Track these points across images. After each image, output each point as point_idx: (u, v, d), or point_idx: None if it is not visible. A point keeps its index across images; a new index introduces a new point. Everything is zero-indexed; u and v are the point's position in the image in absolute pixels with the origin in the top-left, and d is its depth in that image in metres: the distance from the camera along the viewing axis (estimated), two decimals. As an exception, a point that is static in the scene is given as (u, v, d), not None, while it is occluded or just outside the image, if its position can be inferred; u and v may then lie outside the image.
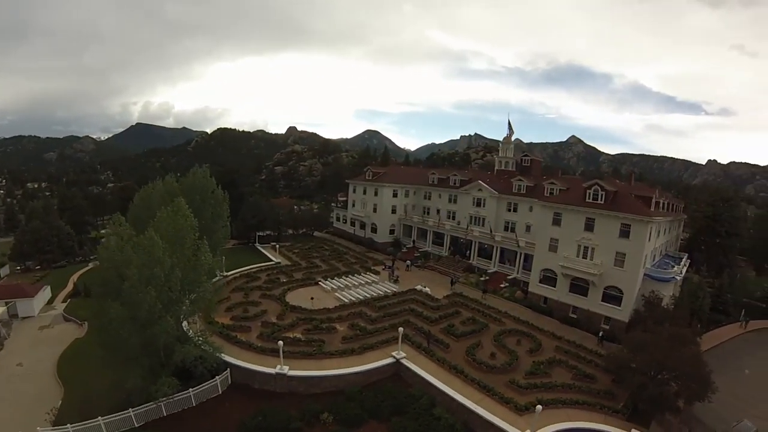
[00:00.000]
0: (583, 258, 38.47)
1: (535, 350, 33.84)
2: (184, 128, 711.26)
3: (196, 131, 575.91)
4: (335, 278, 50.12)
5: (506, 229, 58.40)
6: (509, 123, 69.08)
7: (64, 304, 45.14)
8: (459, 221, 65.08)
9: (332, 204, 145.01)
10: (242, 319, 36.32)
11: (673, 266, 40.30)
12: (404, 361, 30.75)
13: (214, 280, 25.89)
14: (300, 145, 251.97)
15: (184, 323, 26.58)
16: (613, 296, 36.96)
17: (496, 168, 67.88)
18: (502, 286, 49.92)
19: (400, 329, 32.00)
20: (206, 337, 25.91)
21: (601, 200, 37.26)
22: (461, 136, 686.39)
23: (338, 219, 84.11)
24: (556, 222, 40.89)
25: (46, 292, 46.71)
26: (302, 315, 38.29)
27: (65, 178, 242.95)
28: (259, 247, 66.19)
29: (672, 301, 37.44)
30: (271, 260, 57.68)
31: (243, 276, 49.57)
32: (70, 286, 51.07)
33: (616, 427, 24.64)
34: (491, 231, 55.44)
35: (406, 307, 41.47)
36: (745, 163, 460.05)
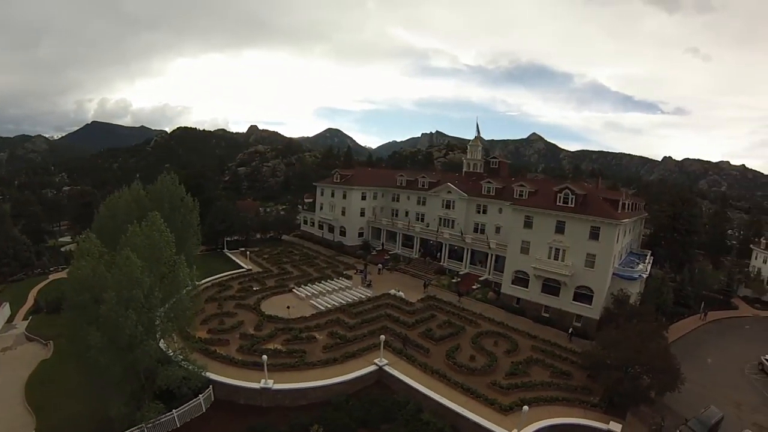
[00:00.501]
0: (554, 259, 40.49)
1: (512, 351, 35.20)
2: (142, 127, 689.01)
3: (155, 130, 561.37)
4: (309, 285, 49.56)
5: (476, 230, 59.98)
6: (477, 126, 71.12)
7: (26, 322, 41.74)
8: (428, 223, 66.15)
9: (298, 206, 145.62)
10: (219, 332, 34.88)
11: (639, 264, 43.33)
12: (387, 368, 31.03)
13: (187, 288, 24.35)
14: (263, 145, 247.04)
15: (162, 341, 24.96)
16: (584, 295, 39.35)
17: (464, 170, 69.60)
18: (474, 287, 51.25)
19: (382, 337, 32.27)
20: (187, 355, 24.49)
21: (572, 203, 39.42)
22: (422, 134, 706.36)
23: (305, 222, 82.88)
24: (528, 225, 42.69)
25: (5, 310, 42.54)
26: (280, 325, 37.40)
27: (17, 180, 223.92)
28: (228, 254, 63.92)
29: (638, 297, 40.16)
30: (242, 267, 56.09)
31: (215, 285, 47.73)
32: (30, 302, 47.27)
33: (595, 420, 26.41)
34: (462, 233, 56.71)
35: (382, 313, 41.68)
36: (699, 159, 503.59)
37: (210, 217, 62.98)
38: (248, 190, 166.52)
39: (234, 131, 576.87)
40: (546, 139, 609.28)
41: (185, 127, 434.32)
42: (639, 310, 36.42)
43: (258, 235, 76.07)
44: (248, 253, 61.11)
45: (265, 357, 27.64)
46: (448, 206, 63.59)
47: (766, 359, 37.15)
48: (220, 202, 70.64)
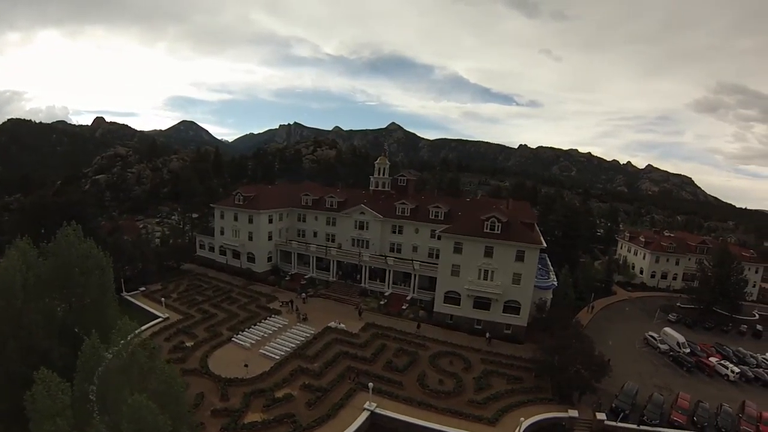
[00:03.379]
0: (484, 280, 47.88)
1: (468, 368, 41.77)
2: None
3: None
4: (245, 330, 46.46)
5: (392, 250, 64.71)
6: (385, 148, 75.22)
7: None
8: (340, 244, 67.82)
9: (172, 218, 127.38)
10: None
11: (550, 273, 54.21)
12: (378, 410, 32.99)
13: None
14: (124, 146, 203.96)
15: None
16: (512, 307, 48.74)
17: (372, 188, 73.11)
18: (403, 307, 55.21)
19: (370, 384, 34.16)
20: None
21: (498, 230, 47.40)
22: (280, 125, 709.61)
23: (202, 246, 73.82)
24: (458, 250, 49.43)
25: None
26: (245, 388, 34.96)
27: None
28: (130, 298, 54.78)
29: (550, 300, 50.62)
30: (156, 315, 49.74)
31: (141, 347, 39.15)
32: None
33: (558, 412, 34.99)
34: (385, 257, 59.96)
35: (337, 350, 42.90)
36: (551, 147, 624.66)
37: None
38: (111, 202, 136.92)
39: (77, 123, 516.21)
40: (405, 128, 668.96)
41: (18, 119, 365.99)
42: (556, 312, 46.87)
43: (153, 268, 65.03)
44: (163, 299, 52.85)
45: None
46: (361, 227, 66.26)
47: (649, 335, 53.77)
48: (114, 235, 57.31)
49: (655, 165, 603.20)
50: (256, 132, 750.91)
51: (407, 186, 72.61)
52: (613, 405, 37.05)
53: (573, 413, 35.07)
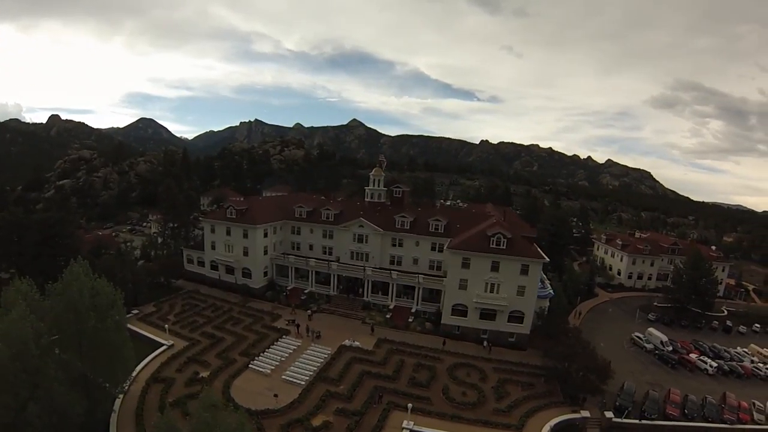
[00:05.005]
0: (491, 293, 51.75)
1: (484, 378, 45.67)
2: None
3: None
4: (260, 355, 47.37)
5: (392, 263, 67.63)
6: (380, 159, 77.53)
7: None
8: (338, 257, 69.68)
9: (144, 225, 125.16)
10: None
11: (546, 282, 58.71)
12: (417, 429, 35.80)
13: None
14: (88, 149, 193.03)
15: None
16: (516, 317, 53.05)
17: (367, 200, 75.43)
18: (410, 320, 58.08)
19: (409, 405, 37.21)
20: None
21: (503, 246, 51.19)
22: (241, 123, 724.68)
23: (190, 261, 73.28)
24: (465, 265, 53.15)
25: None
26: (281, 419, 36.46)
27: None
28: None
29: (548, 307, 55.36)
30: (159, 342, 48.84)
31: (154, 383, 40.28)
32: None
33: (572, 413, 39.84)
34: (390, 272, 62.55)
35: (359, 370, 45.11)
36: (512, 143, 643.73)
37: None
38: (79, 209, 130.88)
39: (31, 122, 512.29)
40: (366, 124, 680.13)
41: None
42: (556, 320, 52.09)
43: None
44: (166, 326, 51.65)
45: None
46: (361, 240, 68.43)
47: (635, 336, 60.25)
48: (102, 257, 55.67)
49: (614, 160, 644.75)
50: (216, 129, 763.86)
51: (402, 197, 75.31)
52: (617, 403, 42.59)
53: (585, 414, 40.20)
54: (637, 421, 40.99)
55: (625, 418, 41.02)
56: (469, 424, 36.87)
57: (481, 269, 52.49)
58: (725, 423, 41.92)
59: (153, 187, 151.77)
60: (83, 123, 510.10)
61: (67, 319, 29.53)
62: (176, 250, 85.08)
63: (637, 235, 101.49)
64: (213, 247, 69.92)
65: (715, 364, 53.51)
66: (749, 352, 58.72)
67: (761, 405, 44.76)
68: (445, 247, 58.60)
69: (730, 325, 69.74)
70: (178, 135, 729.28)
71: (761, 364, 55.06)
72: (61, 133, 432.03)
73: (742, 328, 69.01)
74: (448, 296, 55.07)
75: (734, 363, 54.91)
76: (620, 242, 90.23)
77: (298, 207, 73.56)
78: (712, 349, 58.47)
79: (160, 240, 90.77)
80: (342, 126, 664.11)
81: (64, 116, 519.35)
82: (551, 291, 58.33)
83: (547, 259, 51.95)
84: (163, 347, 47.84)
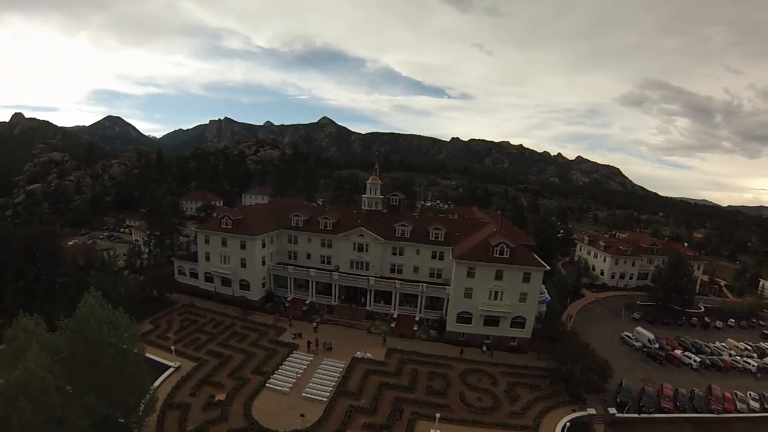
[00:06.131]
0: (495, 300, 55.10)
1: (495, 382, 49.27)
2: None
3: None
4: (275, 373, 47.91)
5: (393, 271, 70.19)
6: (376, 166, 79.56)
7: None
8: (338, 266, 71.15)
9: (123, 230, 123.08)
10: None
11: (542, 287, 62.39)
12: None
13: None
14: (58, 151, 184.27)
15: None
16: (518, 322, 56.86)
17: (364, 208, 77.47)
18: (414, 328, 60.58)
19: (437, 415, 39.86)
20: None
21: (506, 255, 54.55)
22: (211, 121, 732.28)
23: (182, 272, 73.28)
24: (470, 274, 56.60)
25: None
26: None
27: None
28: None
29: (545, 311, 59.29)
30: (164, 365, 48.40)
31: (169, 409, 40.41)
32: None
33: (579, 411, 43.98)
34: (394, 281, 65.01)
35: (376, 382, 47.16)
36: (483, 140, 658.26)
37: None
38: (51, 215, 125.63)
39: None
40: (337, 122, 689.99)
41: None
42: (555, 324, 55.89)
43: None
44: (173, 347, 50.97)
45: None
46: (361, 249, 70.45)
47: (625, 335, 65.55)
48: (93, 274, 54.46)
49: (584, 156, 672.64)
50: (185, 128, 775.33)
51: (399, 205, 77.65)
52: (618, 400, 47.24)
53: (591, 411, 44.42)
54: (636, 416, 45.62)
55: (625, 413, 45.42)
56: (489, 428, 40.13)
57: (486, 278, 55.92)
58: (713, 413, 47.31)
59: (128, 190, 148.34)
60: (48, 121, 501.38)
61: (84, 358, 29.09)
62: (163, 259, 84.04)
63: (618, 236, 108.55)
64: (207, 258, 69.78)
65: (698, 359, 59.29)
66: (727, 346, 65.44)
67: (743, 395, 50.63)
68: (450, 257, 61.45)
69: (708, 321, 76.73)
70: (147, 134, 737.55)
71: (739, 357, 61.51)
72: (25, 131, 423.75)
73: (719, 323, 76.10)
74: (453, 304, 58.08)
75: (715, 357, 60.96)
76: (603, 244, 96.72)
77: (295, 216, 74.54)
78: (694, 344, 64.48)
79: (145, 249, 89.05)
80: (313, 124, 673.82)
81: (27, 114, 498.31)
82: (548, 296, 62.42)
83: (548, 267, 55.92)
84: (170, 369, 47.15)
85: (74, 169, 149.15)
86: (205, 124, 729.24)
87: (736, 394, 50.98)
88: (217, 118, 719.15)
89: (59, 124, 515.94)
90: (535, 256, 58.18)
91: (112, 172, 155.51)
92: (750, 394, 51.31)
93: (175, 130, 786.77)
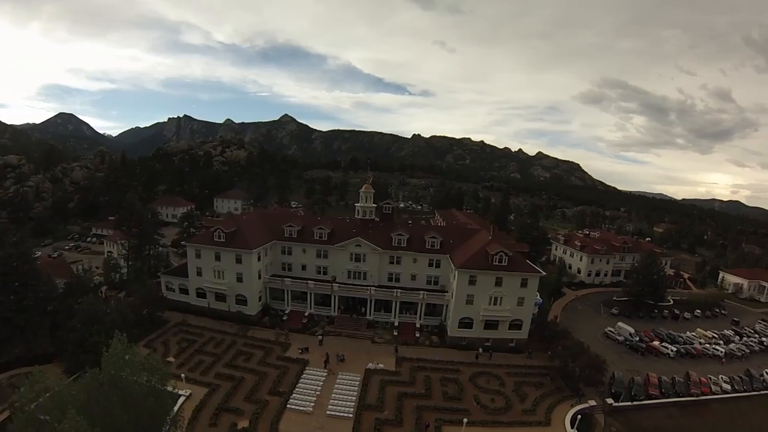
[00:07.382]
0: (495, 305, 59.84)
1: (502, 383, 53.81)
2: None
3: None
4: (294, 393, 48.18)
5: (390, 279, 73.08)
6: (369, 174, 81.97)
7: None
8: (335, 276, 72.98)
9: (89, 239, 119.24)
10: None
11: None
12: None
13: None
14: (12, 153, 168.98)
15: None
16: (516, 325, 62.22)
17: (358, 217, 79.89)
18: (417, 335, 64.14)
19: (465, 419, 43.32)
20: None
21: (505, 263, 59.35)
22: (169, 118, 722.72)
23: (170, 288, 72.24)
24: (472, 282, 60.94)
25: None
26: None
27: None
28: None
29: (537, 312, 64.73)
30: (177, 394, 46.48)
31: None
32: None
33: (582, 404, 49.57)
34: (395, 290, 68.08)
35: (394, 393, 49.67)
36: (444, 136, 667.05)
37: (73, 325, 48.96)
38: (10, 225, 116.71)
39: None
40: (298, 120, 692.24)
41: None
42: (550, 325, 61.56)
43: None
44: (183, 375, 50.18)
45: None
46: (358, 259, 72.92)
47: (608, 330, 72.33)
48: (83, 300, 52.91)
49: (545, 152, 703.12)
50: (143, 125, 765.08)
51: (392, 213, 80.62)
52: (613, 390, 53.52)
53: (592, 402, 50.31)
54: (630, 404, 51.89)
55: (621, 401, 51.67)
56: (508, 427, 44.63)
57: (487, 285, 60.67)
58: (693, 396, 54.58)
59: (93, 196, 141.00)
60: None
61: (121, 409, 27.53)
62: (144, 272, 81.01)
63: (590, 234, 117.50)
64: (199, 274, 69.04)
65: (674, 349, 67.03)
66: (697, 336, 74.16)
67: (716, 379, 58.81)
68: (447, 264, 65.29)
69: (678, 312, 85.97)
70: (102, 131, 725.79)
71: (708, 345, 70.02)
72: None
73: (687, 314, 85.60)
74: (455, 310, 62.32)
75: (688, 346, 69.01)
76: (579, 243, 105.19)
77: (288, 226, 75.38)
78: (669, 335, 72.56)
79: (122, 261, 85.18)
80: (274, 121, 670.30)
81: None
82: (541, 299, 67.97)
83: (544, 273, 61.30)
84: (182, 399, 45.43)
85: (32, 174, 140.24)
86: (164, 122, 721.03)
87: (710, 378, 58.75)
88: (175, 116, 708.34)
89: (8, 122, 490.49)
90: (529, 262, 63.39)
91: (73, 177, 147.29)
92: (721, 377, 59.49)
93: (132, 128, 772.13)
